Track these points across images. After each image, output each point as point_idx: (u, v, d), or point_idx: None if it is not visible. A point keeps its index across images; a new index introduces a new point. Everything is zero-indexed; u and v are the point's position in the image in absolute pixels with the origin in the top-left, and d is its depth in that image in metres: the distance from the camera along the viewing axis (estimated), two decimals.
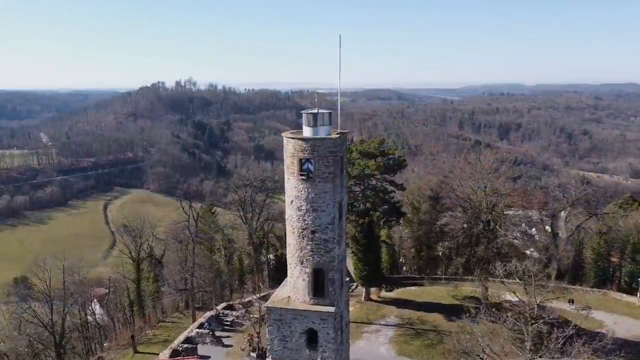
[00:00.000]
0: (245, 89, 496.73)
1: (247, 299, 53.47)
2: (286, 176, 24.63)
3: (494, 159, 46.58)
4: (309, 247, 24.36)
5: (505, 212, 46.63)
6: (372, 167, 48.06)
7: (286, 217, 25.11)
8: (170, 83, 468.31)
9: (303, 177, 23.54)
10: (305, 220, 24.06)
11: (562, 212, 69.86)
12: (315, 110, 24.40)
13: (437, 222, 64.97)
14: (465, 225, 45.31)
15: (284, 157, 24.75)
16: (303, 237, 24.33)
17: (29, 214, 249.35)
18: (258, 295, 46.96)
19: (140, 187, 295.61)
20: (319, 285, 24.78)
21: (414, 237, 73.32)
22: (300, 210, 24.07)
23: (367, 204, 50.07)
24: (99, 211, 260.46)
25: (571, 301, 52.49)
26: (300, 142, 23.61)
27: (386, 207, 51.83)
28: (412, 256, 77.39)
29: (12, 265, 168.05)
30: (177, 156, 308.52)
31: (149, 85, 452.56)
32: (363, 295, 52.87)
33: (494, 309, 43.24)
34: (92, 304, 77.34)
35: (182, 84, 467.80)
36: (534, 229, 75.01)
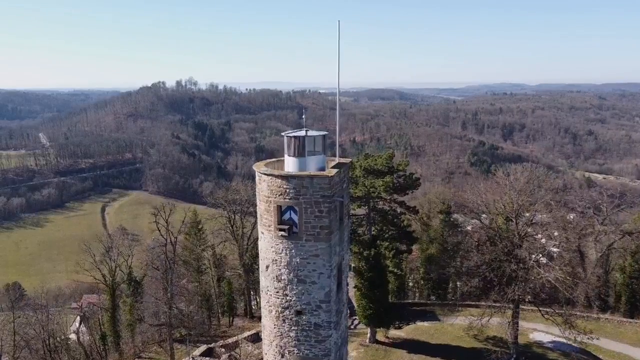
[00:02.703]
0: (247, 89, 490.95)
1: (232, 339, 45.83)
2: (260, 229, 16.65)
3: (528, 178, 38.34)
4: (292, 334, 16.45)
5: (544, 242, 38.65)
6: (381, 187, 40.18)
7: (261, 287, 17.30)
8: (170, 83, 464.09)
9: (283, 233, 15.62)
10: (287, 295, 16.14)
11: (592, 231, 62.45)
12: (303, 132, 16.24)
13: (450, 240, 57.96)
14: (492, 259, 37.29)
15: (257, 200, 17.02)
16: (284, 320, 16.43)
17: (25, 216, 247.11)
18: (240, 337, 39.47)
19: (139, 189, 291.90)
20: None
21: (423, 257, 65.96)
22: (279, 281, 16.11)
23: (373, 230, 42.24)
24: (96, 213, 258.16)
25: None
26: (278, 180, 15.51)
27: (394, 230, 43.97)
28: (421, 277, 69.94)
29: (7, 270, 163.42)
30: (176, 157, 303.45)
31: (149, 85, 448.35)
32: (368, 337, 45.03)
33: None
34: (74, 322, 70.53)
35: (183, 83, 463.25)
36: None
